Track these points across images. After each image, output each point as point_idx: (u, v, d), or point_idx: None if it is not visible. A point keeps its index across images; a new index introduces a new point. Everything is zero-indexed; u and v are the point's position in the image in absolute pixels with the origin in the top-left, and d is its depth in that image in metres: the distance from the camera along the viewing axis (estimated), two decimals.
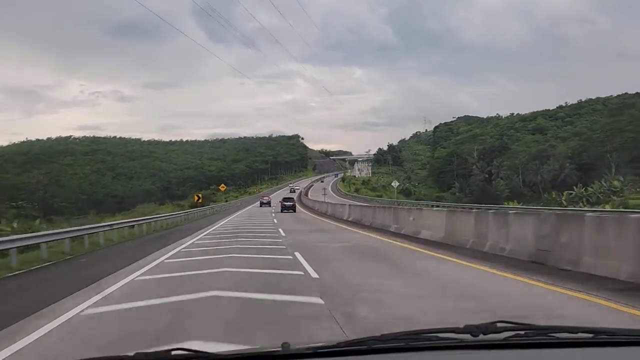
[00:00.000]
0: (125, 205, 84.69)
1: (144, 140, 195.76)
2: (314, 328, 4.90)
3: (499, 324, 1.56)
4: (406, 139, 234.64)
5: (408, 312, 5.54)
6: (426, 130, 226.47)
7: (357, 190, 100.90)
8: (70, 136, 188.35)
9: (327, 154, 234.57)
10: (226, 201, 63.78)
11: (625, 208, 32.86)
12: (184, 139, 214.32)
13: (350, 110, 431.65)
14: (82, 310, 5.93)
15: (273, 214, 36.64)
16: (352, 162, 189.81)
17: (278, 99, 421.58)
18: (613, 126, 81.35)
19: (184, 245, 14.15)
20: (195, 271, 9.12)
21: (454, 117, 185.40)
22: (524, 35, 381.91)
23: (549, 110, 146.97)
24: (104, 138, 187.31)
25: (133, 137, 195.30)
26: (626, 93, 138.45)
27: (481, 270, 8.63)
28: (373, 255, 11.55)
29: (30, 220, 33.32)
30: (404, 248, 12.84)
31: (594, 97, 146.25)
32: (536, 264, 8.71)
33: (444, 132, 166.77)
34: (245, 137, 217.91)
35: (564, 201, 43.15)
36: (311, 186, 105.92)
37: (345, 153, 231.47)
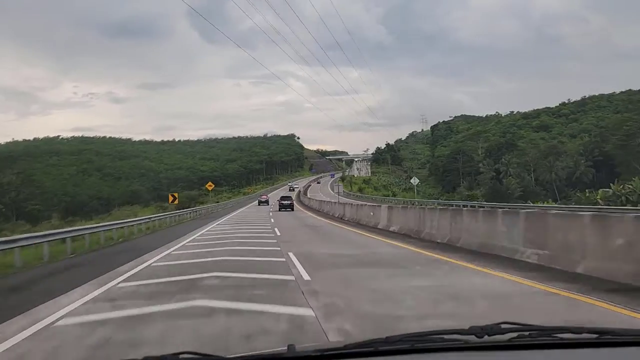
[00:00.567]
0: (110, 208, 78.96)
1: (135, 140, 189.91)
2: None
3: (503, 325, 1.57)
4: (402, 138, 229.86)
5: None
6: (422, 129, 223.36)
7: (360, 190, 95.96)
8: (59, 136, 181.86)
9: (323, 153, 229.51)
10: (217, 202, 58.27)
11: None
12: (177, 139, 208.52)
13: (345, 111, 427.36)
14: None
15: (271, 213, 31.26)
16: (349, 162, 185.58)
17: (273, 100, 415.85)
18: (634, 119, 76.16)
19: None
20: None
21: (450, 117, 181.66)
22: (520, 34, 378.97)
23: (550, 107, 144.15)
24: (93, 138, 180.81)
25: (124, 138, 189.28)
26: (630, 90, 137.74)
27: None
28: None
29: None
30: None
31: (597, 94, 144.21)
32: None
33: (443, 131, 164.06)
34: (239, 137, 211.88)
35: (599, 200, 38.18)
36: (309, 186, 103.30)
37: (342, 153, 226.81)
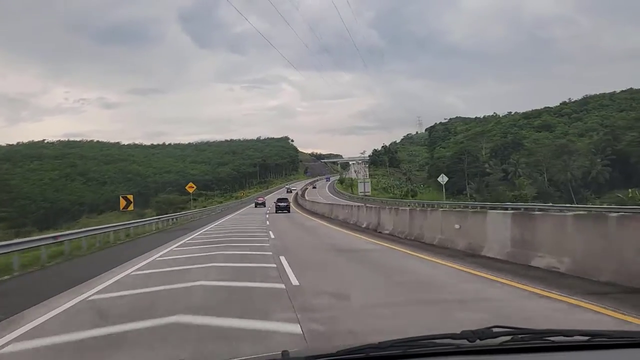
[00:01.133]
0: (92, 215, 72.77)
1: (123, 144, 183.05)
2: None
3: (495, 329, 1.55)
4: (397, 141, 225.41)
5: None
6: (417, 132, 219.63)
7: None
8: (44, 140, 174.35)
9: (318, 157, 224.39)
10: (204, 207, 52.48)
11: None
12: (167, 143, 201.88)
13: (338, 115, 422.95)
14: None
15: (268, 222, 25.64)
16: (344, 165, 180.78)
17: (265, 105, 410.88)
18: None
19: None
20: None
21: (445, 119, 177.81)
22: (511, 37, 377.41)
23: (550, 107, 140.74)
24: (79, 142, 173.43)
25: (112, 142, 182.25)
26: (631, 88, 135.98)
27: None
28: None
29: None
30: None
31: (597, 93, 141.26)
32: None
33: (441, 132, 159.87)
34: (231, 140, 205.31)
35: None
36: (305, 189, 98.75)
37: (337, 156, 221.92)
